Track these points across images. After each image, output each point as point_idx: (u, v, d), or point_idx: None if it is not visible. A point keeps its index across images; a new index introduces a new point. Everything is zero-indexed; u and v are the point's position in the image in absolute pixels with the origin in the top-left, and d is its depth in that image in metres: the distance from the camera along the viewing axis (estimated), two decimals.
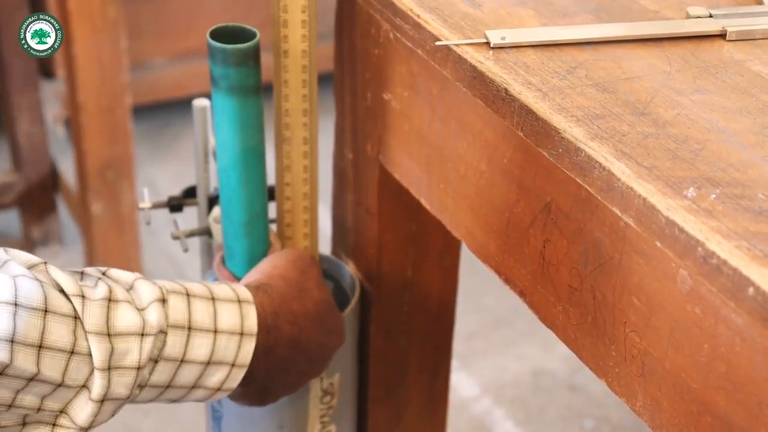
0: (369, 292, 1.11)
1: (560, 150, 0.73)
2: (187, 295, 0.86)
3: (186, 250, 1.10)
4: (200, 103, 1.06)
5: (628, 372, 0.75)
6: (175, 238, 1.10)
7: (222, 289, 0.89)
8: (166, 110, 2.56)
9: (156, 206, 1.12)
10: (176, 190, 1.16)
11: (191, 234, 1.11)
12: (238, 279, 1.02)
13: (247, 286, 0.92)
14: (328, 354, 0.99)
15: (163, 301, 0.84)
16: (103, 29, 1.82)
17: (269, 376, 0.92)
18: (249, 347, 0.88)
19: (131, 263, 2.03)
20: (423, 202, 0.97)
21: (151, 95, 2.42)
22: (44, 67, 2.24)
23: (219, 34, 0.92)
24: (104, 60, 1.84)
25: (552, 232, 0.80)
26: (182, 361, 0.85)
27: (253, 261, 1.01)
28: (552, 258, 0.80)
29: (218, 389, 0.88)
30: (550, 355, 2.00)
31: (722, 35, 0.84)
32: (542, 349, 2.01)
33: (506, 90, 0.77)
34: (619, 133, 0.72)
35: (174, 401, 0.89)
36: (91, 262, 2.04)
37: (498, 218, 0.86)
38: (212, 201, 1.11)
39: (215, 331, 0.86)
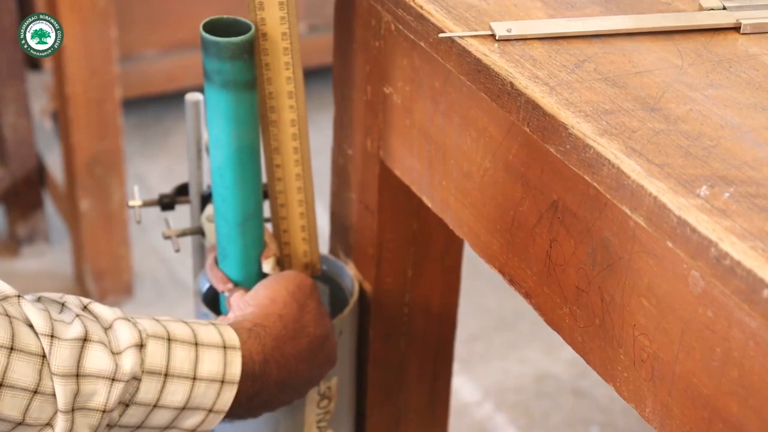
0: (368, 293, 1.11)
1: (568, 146, 0.73)
2: (169, 339, 0.86)
3: (177, 250, 1.10)
4: (193, 97, 1.06)
5: (636, 376, 0.75)
6: (167, 237, 1.10)
7: (208, 333, 0.89)
8: (158, 104, 2.55)
9: (147, 204, 1.12)
10: (167, 187, 1.16)
11: (183, 233, 1.11)
12: (231, 281, 1.02)
13: (240, 327, 0.92)
14: (315, 382, 0.99)
15: (141, 345, 0.84)
16: (92, 19, 1.81)
17: (250, 412, 0.94)
18: (229, 395, 0.88)
19: (120, 262, 2.03)
20: (424, 199, 0.97)
21: (142, 88, 2.42)
22: (31, 57, 2.24)
23: (213, 27, 0.92)
24: (93, 51, 1.84)
25: (559, 231, 0.80)
26: (155, 406, 0.86)
27: (247, 262, 1.01)
28: (558, 258, 0.80)
29: (193, 430, 0.89)
30: (553, 358, 2.00)
31: (737, 28, 0.84)
32: (546, 353, 2.01)
33: (512, 84, 0.77)
34: (629, 129, 0.72)
35: None
36: (78, 261, 2.04)
37: (502, 217, 0.86)
38: (205, 199, 1.11)
39: (194, 378, 0.87)
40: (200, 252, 1.14)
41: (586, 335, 0.79)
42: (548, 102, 0.75)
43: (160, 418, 0.86)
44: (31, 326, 0.79)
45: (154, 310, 2.01)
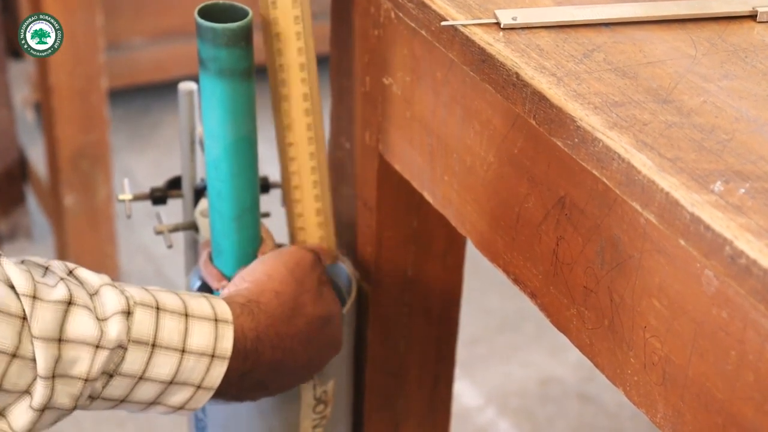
0: (366, 293, 1.11)
1: (576, 140, 0.73)
2: (157, 308, 0.86)
3: (170, 246, 1.10)
4: (186, 86, 1.06)
5: (647, 380, 0.75)
6: (158, 233, 1.10)
7: (198, 304, 0.88)
8: (146, 94, 2.56)
9: (137, 198, 1.12)
10: (155, 182, 1.15)
11: (176, 228, 1.11)
12: (226, 278, 1.02)
13: (232, 301, 0.92)
14: (317, 367, 0.99)
15: (128, 313, 0.84)
16: (77, 5, 1.81)
17: (241, 395, 0.93)
18: (219, 371, 0.88)
19: (106, 260, 2.03)
20: (425, 195, 0.97)
21: (129, 78, 2.42)
22: (12, 46, 2.23)
23: (208, 12, 0.92)
24: (78, 39, 1.84)
25: (566, 228, 0.80)
26: (141, 378, 0.85)
27: (242, 258, 1.01)
28: (566, 257, 0.81)
29: (181, 408, 0.88)
30: (559, 361, 2.00)
31: (752, 16, 0.84)
32: (551, 356, 2.02)
33: (517, 74, 0.78)
34: (640, 122, 0.73)
35: (132, 412, 0.89)
36: (62, 258, 2.03)
37: (507, 213, 0.86)
38: (199, 193, 1.11)
39: (183, 351, 0.86)
40: (193, 248, 1.14)
41: (595, 337, 0.79)
42: (555, 93, 0.75)
43: (146, 391, 0.85)
44: (11, 287, 0.79)
45: None
